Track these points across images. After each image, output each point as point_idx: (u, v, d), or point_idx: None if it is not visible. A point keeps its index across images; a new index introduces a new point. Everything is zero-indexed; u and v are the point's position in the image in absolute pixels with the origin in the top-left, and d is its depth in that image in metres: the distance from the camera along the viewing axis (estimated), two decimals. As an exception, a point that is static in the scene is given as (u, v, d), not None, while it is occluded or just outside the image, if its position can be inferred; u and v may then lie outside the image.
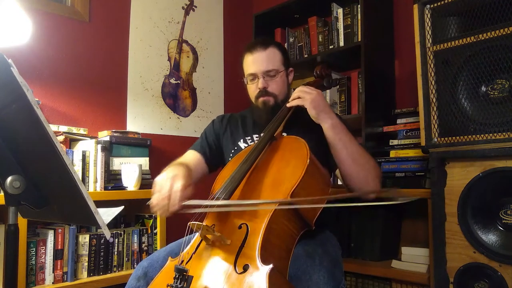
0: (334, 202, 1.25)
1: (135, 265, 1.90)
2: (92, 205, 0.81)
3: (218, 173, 1.36)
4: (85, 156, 1.86)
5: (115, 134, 2.05)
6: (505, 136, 1.35)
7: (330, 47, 2.36)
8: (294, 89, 1.38)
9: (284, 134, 1.41)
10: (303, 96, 1.30)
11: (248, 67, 1.45)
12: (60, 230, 1.70)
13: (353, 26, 2.25)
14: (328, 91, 2.32)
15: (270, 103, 1.42)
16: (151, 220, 2.03)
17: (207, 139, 1.56)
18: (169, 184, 1.08)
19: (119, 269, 1.89)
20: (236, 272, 0.95)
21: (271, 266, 0.91)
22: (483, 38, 1.40)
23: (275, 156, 1.22)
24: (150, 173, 2.11)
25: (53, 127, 1.88)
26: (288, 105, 1.33)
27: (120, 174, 1.99)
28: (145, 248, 2.00)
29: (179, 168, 1.21)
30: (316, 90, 1.32)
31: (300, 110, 1.33)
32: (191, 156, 1.52)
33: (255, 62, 1.42)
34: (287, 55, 1.51)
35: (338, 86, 2.32)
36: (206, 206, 1.07)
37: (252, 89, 1.46)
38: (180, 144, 2.43)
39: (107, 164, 1.94)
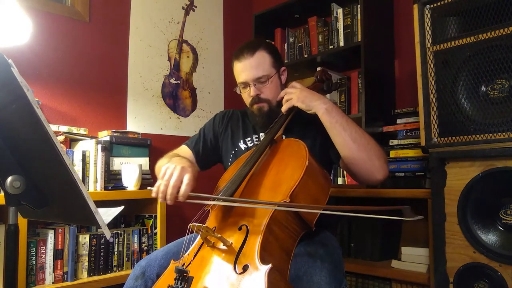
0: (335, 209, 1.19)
1: (135, 265, 1.90)
2: (92, 205, 0.81)
3: (214, 172, 1.37)
4: (85, 156, 1.86)
5: (115, 134, 2.05)
6: (505, 136, 1.35)
7: (330, 47, 2.36)
8: None
9: (284, 136, 1.41)
10: (289, 97, 1.31)
11: (238, 76, 1.42)
12: (60, 230, 1.70)
13: (353, 26, 2.25)
14: (328, 91, 2.32)
15: (264, 109, 1.41)
16: (151, 220, 2.03)
17: (204, 138, 1.55)
18: (178, 174, 1.10)
19: (119, 269, 1.89)
20: (236, 273, 0.95)
21: (270, 265, 0.91)
22: (483, 38, 1.40)
23: (275, 158, 1.22)
24: (150, 173, 2.11)
25: (53, 127, 1.88)
26: (283, 110, 1.34)
27: (120, 174, 1.99)
28: (145, 248, 2.00)
29: (184, 160, 1.24)
30: (299, 86, 1.33)
31: (298, 111, 1.33)
32: (184, 151, 1.53)
33: (244, 70, 1.39)
34: (278, 55, 1.46)
35: (338, 87, 2.32)
36: (213, 199, 1.10)
37: (245, 97, 1.45)
38: (180, 144, 2.42)
39: (107, 164, 1.94)
